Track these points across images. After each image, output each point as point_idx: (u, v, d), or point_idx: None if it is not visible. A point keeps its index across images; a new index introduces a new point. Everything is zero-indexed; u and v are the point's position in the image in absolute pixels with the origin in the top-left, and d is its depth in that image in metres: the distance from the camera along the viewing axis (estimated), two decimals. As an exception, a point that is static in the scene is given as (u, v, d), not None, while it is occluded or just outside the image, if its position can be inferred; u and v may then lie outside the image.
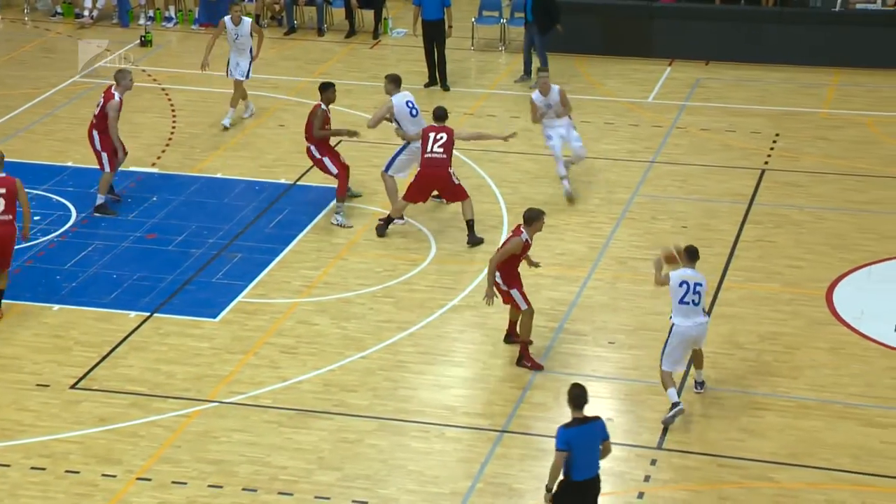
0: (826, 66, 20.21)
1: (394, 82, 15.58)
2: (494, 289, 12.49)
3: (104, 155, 15.42)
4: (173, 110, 18.13)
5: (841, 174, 16.70)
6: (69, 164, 16.91)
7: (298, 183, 16.46)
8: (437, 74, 19.67)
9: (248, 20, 18.02)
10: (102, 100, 15.43)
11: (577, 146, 16.06)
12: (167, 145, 17.64)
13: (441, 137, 14.87)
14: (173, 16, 22.65)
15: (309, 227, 15.36)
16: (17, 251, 14.51)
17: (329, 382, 12.39)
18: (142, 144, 17.45)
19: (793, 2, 21.59)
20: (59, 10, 22.79)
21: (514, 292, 12.52)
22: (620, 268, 14.46)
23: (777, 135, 17.98)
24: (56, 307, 13.58)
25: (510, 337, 12.94)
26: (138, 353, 12.84)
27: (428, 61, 19.72)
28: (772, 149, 17.54)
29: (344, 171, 15.42)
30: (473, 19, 21.68)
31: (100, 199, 15.60)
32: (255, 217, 15.54)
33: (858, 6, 20.85)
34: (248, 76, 18.02)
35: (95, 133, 15.39)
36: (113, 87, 15.44)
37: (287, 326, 13.30)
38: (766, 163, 17.08)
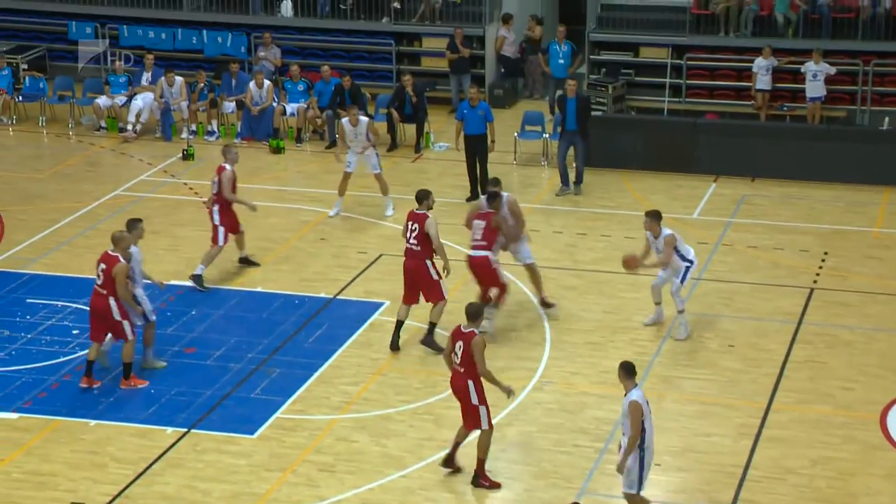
0: (875, 184, 20.29)
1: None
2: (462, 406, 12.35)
3: (221, 229, 16.76)
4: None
5: (893, 294, 16.64)
6: (109, 277, 17.15)
7: (338, 297, 16.60)
8: (480, 189, 19.91)
9: (365, 119, 19.05)
10: (217, 177, 16.72)
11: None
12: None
13: (415, 228, 14.86)
14: (216, 129, 23.17)
15: (349, 341, 15.45)
16: (55, 365, 14.75)
17: (368, 502, 12.34)
18: (182, 258, 17.71)
19: (839, 119, 21.81)
20: (103, 124, 23.36)
21: (483, 409, 12.33)
22: (666, 387, 14.42)
23: (826, 253, 17.99)
24: (93, 422, 13.68)
25: (451, 461, 12.63)
26: (175, 470, 12.87)
27: (470, 175, 20.00)
28: (821, 267, 17.54)
29: (504, 289, 15.26)
30: (516, 134, 22.01)
31: (199, 270, 16.66)
32: (295, 331, 15.67)
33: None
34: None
35: (216, 208, 16.76)
36: (223, 163, 16.80)
37: (326, 443, 13.32)
38: (815, 282, 17.07)
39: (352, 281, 17.10)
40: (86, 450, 13.19)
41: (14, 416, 13.77)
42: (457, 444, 12.68)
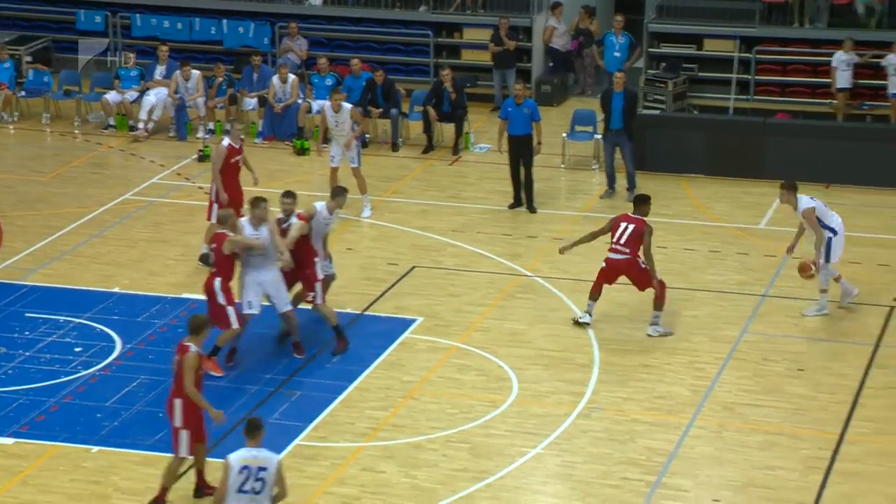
0: (966, 190, 20.19)
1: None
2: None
3: (215, 206, 17.25)
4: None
5: (982, 312, 16.55)
6: (116, 289, 17.36)
7: (366, 312, 16.70)
8: (524, 195, 19.96)
9: (348, 106, 19.39)
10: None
11: None
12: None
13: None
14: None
15: (376, 362, 15.54)
16: (55, 386, 14.94)
17: (394, 539, 12.43)
18: (195, 269, 17.88)
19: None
20: (111, 122, 23.62)
21: (183, 433, 12.47)
22: (727, 415, 14.39)
23: (908, 267, 17.93)
24: (95, 449, 13.81)
25: (202, 490, 12.80)
26: (184, 502, 12.97)
27: (513, 180, 20.02)
28: (902, 283, 17.48)
29: (663, 288, 16.04)
30: (564, 135, 22.05)
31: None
32: (318, 350, 15.77)
33: None
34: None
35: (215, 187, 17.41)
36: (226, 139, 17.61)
37: (350, 474, 13.39)
38: (896, 299, 17.02)
39: (381, 295, 17.20)
40: (87, 479, 13.33)
41: (9, 441, 13.93)
42: (198, 471, 12.84)
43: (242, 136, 18.16)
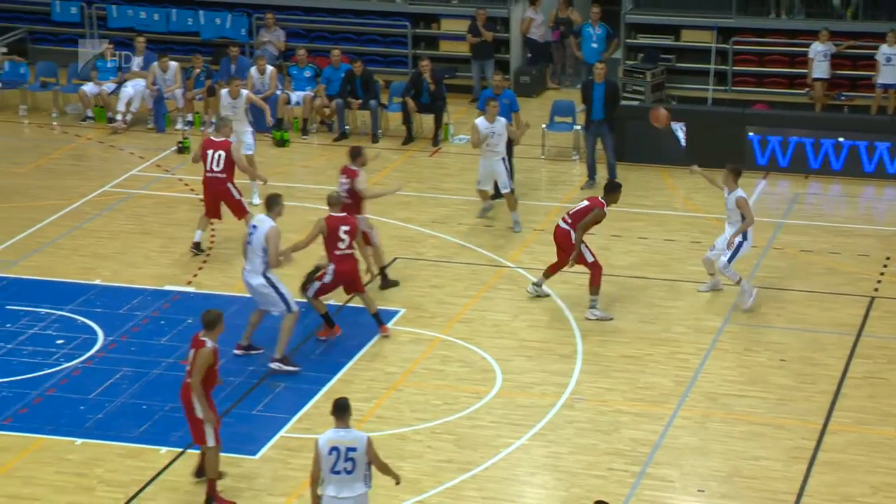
0: (943, 180, 20.30)
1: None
2: None
3: (244, 200, 17.89)
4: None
5: (962, 302, 16.65)
6: (97, 282, 17.27)
7: (349, 304, 16.67)
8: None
9: (245, 92, 19.72)
10: (222, 152, 17.54)
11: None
12: (204, 262, 17.97)
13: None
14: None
15: (360, 353, 15.52)
16: (38, 378, 14.86)
17: (381, 530, 12.41)
18: (176, 261, 17.82)
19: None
20: (90, 114, 23.50)
21: (208, 425, 12.47)
22: (711, 405, 14.43)
23: (888, 258, 17.98)
24: (79, 441, 13.76)
25: (201, 470, 12.87)
26: (169, 493, 12.94)
27: (494, 171, 19.99)
28: (882, 273, 17.53)
29: (598, 269, 16.22)
30: (544, 125, 22.06)
31: (198, 237, 17.80)
32: (301, 342, 15.73)
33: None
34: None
35: (230, 185, 17.69)
36: (215, 136, 17.85)
37: (335, 466, 13.36)
38: (877, 290, 17.06)
39: (364, 286, 17.14)
40: (72, 471, 13.28)
41: (-7, 433, 13.90)
42: (202, 453, 12.85)
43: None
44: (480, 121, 18.49)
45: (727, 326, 16.11)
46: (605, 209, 16.21)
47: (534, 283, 16.77)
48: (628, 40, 24.72)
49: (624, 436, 13.79)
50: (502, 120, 18.60)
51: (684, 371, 15.09)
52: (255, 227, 15.02)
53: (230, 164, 17.60)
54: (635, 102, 23.06)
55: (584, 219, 16.10)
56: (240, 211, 17.89)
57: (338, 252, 15.46)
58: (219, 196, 17.75)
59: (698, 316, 16.38)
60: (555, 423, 14.06)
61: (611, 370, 15.16)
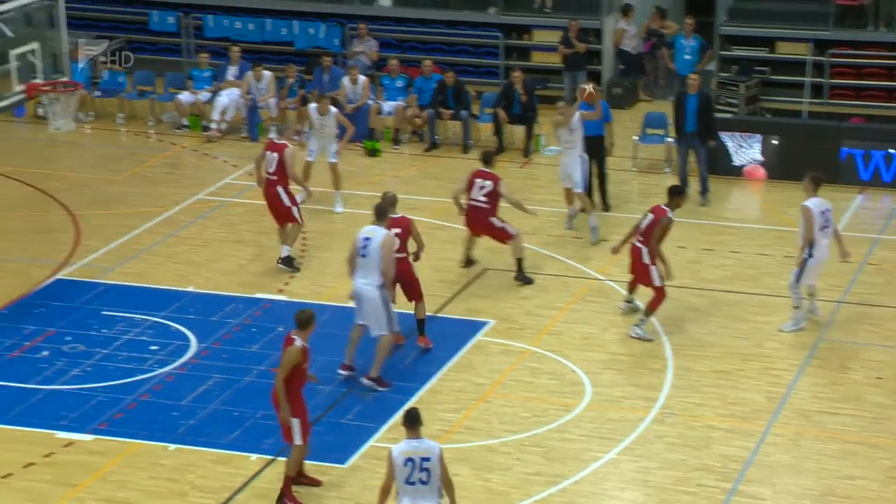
0: None
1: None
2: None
3: (294, 209, 17.69)
4: (304, 233, 18.66)
5: None
6: (190, 289, 17.48)
7: (439, 315, 16.70)
8: (598, 194, 19.90)
9: (334, 110, 20.04)
10: (277, 155, 17.56)
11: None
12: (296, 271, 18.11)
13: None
14: (307, 129, 23.43)
15: (450, 363, 15.55)
16: (132, 384, 15.07)
17: (469, 542, 12.42)
18: (269, 269, 17.97)
19: None
20: (185, 122, 23.81)
21: (295, 422, 12.62)
22: (804, 422, 14.25)
23: None
24: (172, 447, 13.93)
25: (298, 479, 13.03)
26: (260, 500, 13.05)
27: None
28: (982, 290, 17.22)
29: (662, 296, 15.91)
30: (636, 137, 21.95)
31: (286, 251, 17.69)
32: (390, 352, 15.77)
33: None
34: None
35: (281, 189, 17.60)
36: (278, 140, 17.98)
37: (423, 476, 13.38)
38: (976, 306, 16.76)
39: (453, 297, 17.20)
40: (165, 476, 13.45)
41: (89, 437, 14.09)
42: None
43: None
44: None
45: (821, 343, 15.90)
46: (670, 215, 15.94)
47: (625, 301, 16.64)
48: (722, 52, 24.50)
49: (714, 452, 13.66)
50: (577, 114, 18.64)
51: (777, 387, 14.91)
52: (368, 238, 14.83)
53: (282, 168, 17.65)
54: (729, 115, 22.86)
55: (654, 232, 15.88)
56: (283, 217, 17.83)
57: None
58: (269, 199, 17.81)
59: (792, 332, 16.17)
60: (644, 438, 13.97)
61: (701, 385, 15.03)
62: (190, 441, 14.00)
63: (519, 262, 17.52)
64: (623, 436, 13.99)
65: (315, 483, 13.15)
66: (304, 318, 12.78)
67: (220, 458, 13.72)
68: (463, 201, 17.55)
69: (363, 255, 14.78)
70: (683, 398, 14.77)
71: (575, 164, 18.69)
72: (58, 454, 13.75)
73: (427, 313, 16.33)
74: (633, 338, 15.90)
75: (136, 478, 13.41)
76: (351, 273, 15.00)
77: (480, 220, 17.45)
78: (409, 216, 15.98)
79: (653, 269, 15.84)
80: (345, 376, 15.09)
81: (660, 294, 15.91)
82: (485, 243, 18.61)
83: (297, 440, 12.72)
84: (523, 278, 17.51)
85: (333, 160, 19.85)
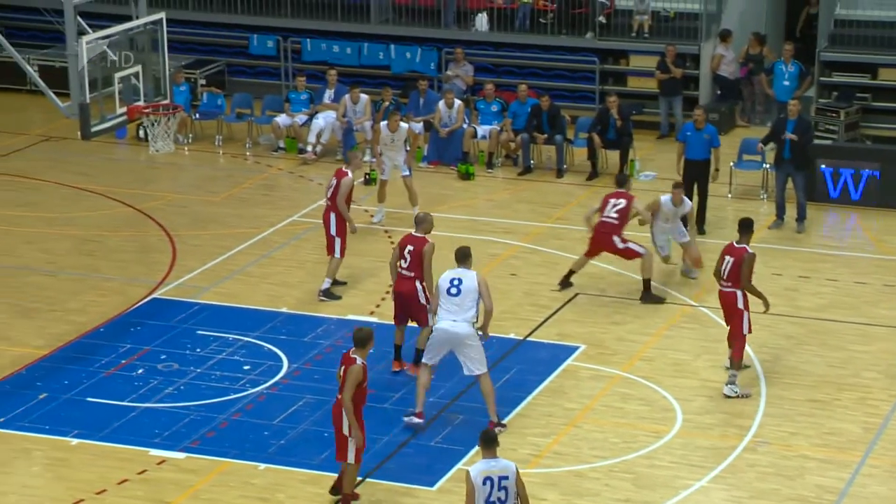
0: None
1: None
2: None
3: (338, 240, 17.56)
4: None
5: None
6: (283, 309, 17.64)
7: (529, 339, 16.67)
8: (697, 216, 19.75)
9: (405, 126, 20.43)
10: (335, 180, 17.55)
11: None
12: (387, 293, 18.17)
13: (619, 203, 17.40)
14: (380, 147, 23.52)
15: (539, 388, 15.50)
16: (224, 403, 15.24)
17: (556, 567, 12.35)
18: (361, 290, 18.08)
19: None
20: (281, 144, 24.08)
21: (352, 441, 12.78)
22: (901, 454, 14.00)
23: None
24: (262, 466, 14.04)
25: (338, 489, 13.13)
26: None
27: (687, 206, 19.81)
28: None
29: (743, 343, 15.25)
30: (732, 163, 21.76)
31: (326, 284, 17.65)
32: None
33: None
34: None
35: (332, 216, 17.50)
36: (344, 167, 17.80)
37: (511, 500, 13.34)
38: None
39: (544, 321, 17.16)
40: (255, 495, 13.55)
41: (181, 455, 14.25)
42: (342, 470, 13.08)
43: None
44: (666, 200, 17.99)
45: (920, 374, 15.62)
46: (750, 251, 15.15)
47: (729, 379, 15.29)
48: (822, 78, 24.21)
49: (808, 482, 13.45)
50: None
51: (873, 418, 14.65)
52: (459, 279, 14.46)
53: (336, 194, 17.56)
54: (829, 142, 22.58)
55: (742, 273, 15.09)
56: (329, 246, 17.73)
57: (399, 271, 15.49)
58: (324, 223, 17.79)
59: (891, 362, 15.90)
60: (736, 467, 13.80)
61: (795, 414, 14.82)
62: (280, 461, 14.11)
63: (646, 282, 17.47)
64: (714, 464, 13.83)
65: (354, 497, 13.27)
66: (362, 336, 12.88)
67: (309, 478, 13.80)
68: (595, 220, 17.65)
69: (453, 294, 14.48)
70: (777, 427, 14.57)
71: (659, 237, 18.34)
72: (151, 471, 13.93)
73: (517, 336, 16.30)
74: (732, 397, 15.07)
75: (226, 496, 13.53)
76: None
77: (606, 237, 17.49)
78: (429, 238, 15.57)
79: (746, 314, 15.16)
80: (415, 424, 14.68)
81: (742, 342, 15.26)
82: (583, 269, 18.51)
83: (351, 459, 12.82)
84: (651, 297, 17.45)
85: (406, 173, 20.04)
